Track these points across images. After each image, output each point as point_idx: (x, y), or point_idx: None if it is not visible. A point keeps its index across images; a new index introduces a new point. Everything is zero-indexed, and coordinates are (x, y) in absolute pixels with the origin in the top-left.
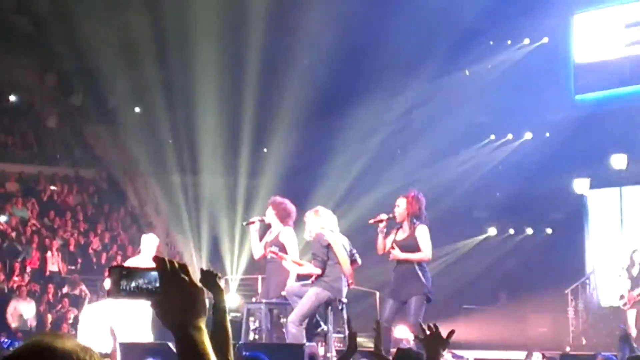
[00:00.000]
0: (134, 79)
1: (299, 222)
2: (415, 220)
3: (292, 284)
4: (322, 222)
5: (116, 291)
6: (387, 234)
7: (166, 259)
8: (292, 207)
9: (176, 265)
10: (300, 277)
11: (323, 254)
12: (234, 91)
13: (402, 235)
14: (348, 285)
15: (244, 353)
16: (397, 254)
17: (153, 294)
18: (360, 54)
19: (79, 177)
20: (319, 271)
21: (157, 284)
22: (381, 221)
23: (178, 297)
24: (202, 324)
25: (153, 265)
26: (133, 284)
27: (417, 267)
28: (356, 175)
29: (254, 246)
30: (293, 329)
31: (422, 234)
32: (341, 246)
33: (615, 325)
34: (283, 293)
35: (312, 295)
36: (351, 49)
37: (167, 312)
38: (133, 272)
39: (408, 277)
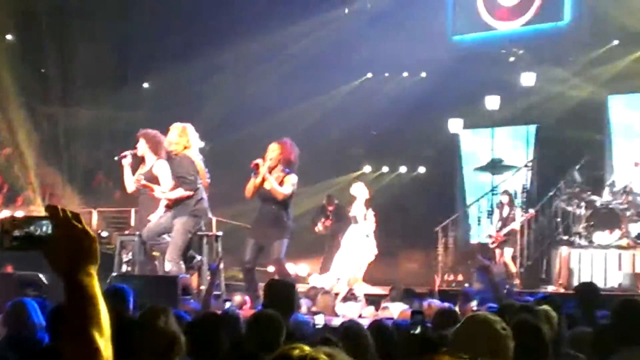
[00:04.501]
0: (5, 5)
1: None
2: (286, 169)
3: (152, 223)
4: (188, 141)
5: (9, 241)
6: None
7: (59, 207)
8: (163, 138)
9: (69, 213)
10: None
11: (195, 173)
12: (113, 23)
13: (269, 184)
14: None
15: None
16: (271, 182)
17: (45, 242)
18: None
19: None
20: (190, 193)
21: (49, 232)
22: (257, 166)
23: (69, 244)
24: (93, 270)
25: None
26: (25, 232)
27: (281, 211)
28: (233, 110)
29: (127, 180)
30: (174, 267)
31: (291, 183)
32: (203, 165)
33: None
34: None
35: (180, 228)
36: None
37: (58, 258)
38: (24, 221)
39: (271, 220)
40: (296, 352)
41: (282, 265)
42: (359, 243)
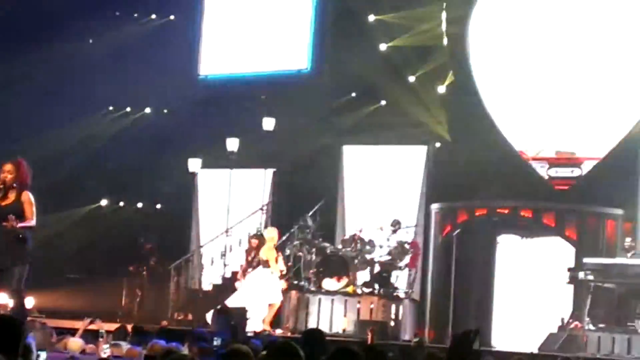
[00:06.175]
0: None
1: None
2: (21, 188)
3: None
4: None
5: None
6: None
7: None
8: None
9: None
10: None
11: None
12: None
13: (6, 201)
14: None
15: None
16: (14, 222)
17: None
18: None
19: None
20: None
21: None
22: None
23: None
24: None
25: None
26: None
27: (25, 233)
28: None
29: None
30: None
31: (30, 200)
32: None
33: (218, 302)
34: None
35: None
36: None
37: None
38: None
39: (12, 243)
40: None
41: (21, 297)
42: (266, 285)
